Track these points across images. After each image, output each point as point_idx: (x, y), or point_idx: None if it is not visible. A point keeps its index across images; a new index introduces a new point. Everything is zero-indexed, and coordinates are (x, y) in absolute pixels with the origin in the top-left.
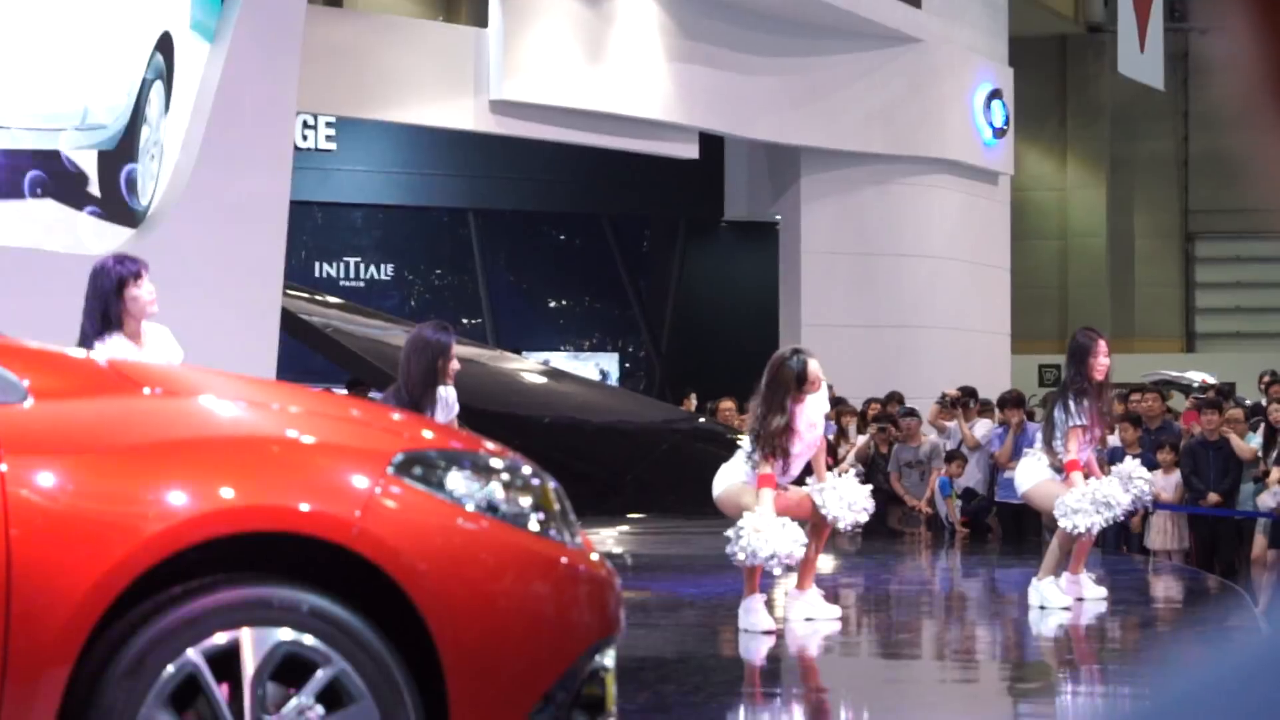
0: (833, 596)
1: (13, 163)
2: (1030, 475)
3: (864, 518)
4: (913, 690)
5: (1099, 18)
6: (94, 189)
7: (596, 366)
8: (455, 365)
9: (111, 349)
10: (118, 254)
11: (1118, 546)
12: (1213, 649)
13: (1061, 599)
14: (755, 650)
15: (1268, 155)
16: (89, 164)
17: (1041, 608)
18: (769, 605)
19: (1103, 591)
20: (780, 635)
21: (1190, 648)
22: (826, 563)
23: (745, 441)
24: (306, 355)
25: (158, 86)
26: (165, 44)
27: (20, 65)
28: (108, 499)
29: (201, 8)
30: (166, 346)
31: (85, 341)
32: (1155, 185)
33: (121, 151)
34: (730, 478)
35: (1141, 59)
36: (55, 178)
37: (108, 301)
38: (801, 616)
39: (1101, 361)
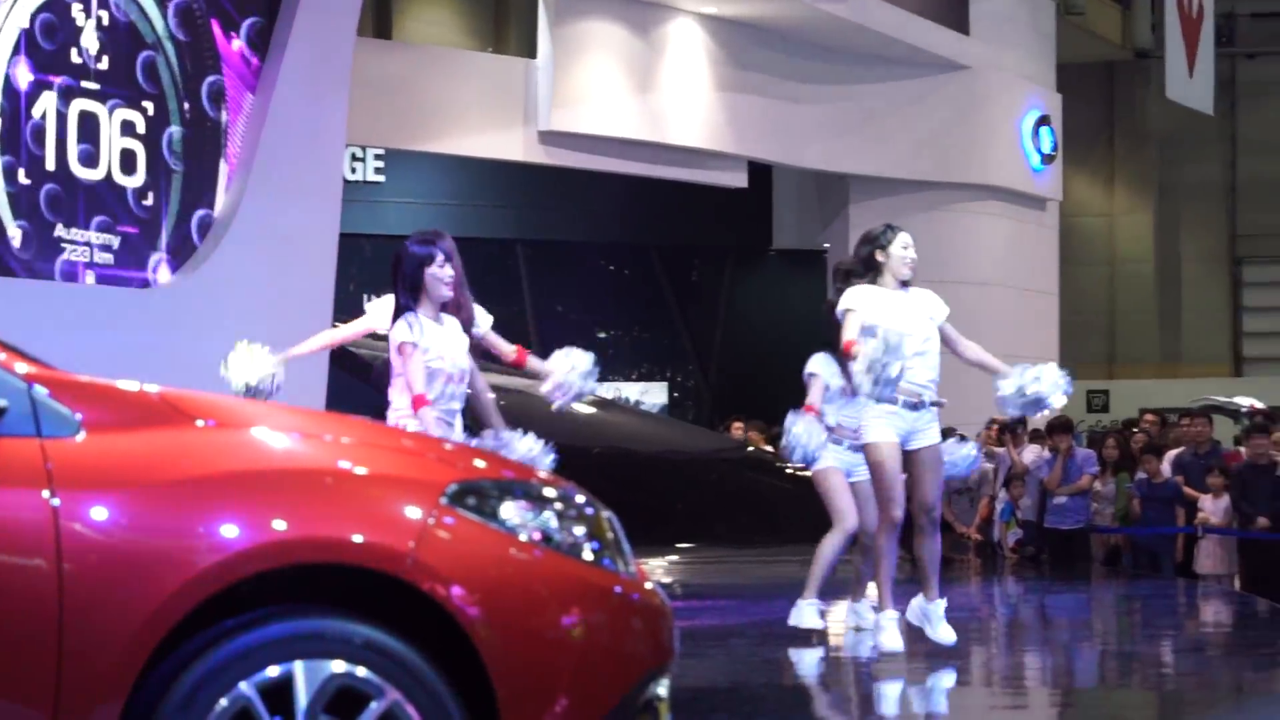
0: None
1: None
2: None
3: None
4: (967, 717)
5: (1146, 43)
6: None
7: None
8: (448, 272)
9: (420, 324)
10: (420, 234)
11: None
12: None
13: None
14: (806, 678)
15: None
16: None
17: None
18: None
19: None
20: (830, 660)
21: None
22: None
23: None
24: (356, 388)
25: None
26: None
27: None
28: (160, 532)
29: None
30: (458, 336)
31: (399, 314)
32: (1202, 210)
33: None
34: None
35: (1190, 84)
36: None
37: (414, 279)
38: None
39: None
